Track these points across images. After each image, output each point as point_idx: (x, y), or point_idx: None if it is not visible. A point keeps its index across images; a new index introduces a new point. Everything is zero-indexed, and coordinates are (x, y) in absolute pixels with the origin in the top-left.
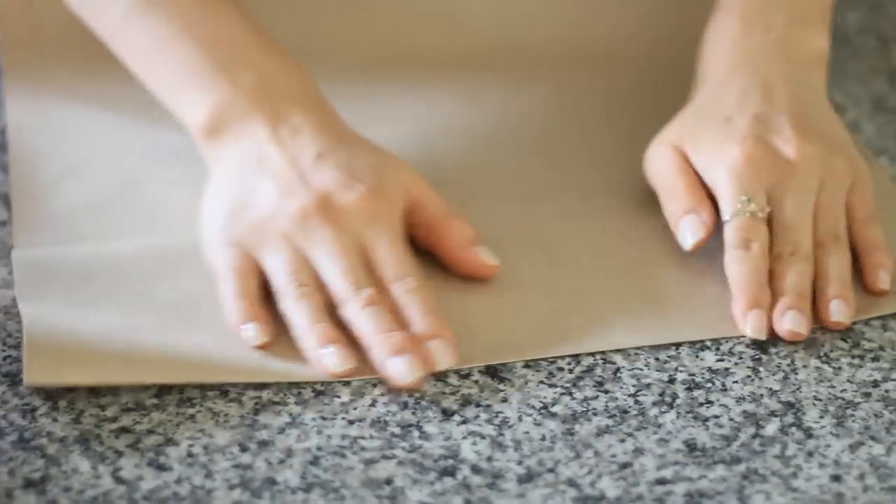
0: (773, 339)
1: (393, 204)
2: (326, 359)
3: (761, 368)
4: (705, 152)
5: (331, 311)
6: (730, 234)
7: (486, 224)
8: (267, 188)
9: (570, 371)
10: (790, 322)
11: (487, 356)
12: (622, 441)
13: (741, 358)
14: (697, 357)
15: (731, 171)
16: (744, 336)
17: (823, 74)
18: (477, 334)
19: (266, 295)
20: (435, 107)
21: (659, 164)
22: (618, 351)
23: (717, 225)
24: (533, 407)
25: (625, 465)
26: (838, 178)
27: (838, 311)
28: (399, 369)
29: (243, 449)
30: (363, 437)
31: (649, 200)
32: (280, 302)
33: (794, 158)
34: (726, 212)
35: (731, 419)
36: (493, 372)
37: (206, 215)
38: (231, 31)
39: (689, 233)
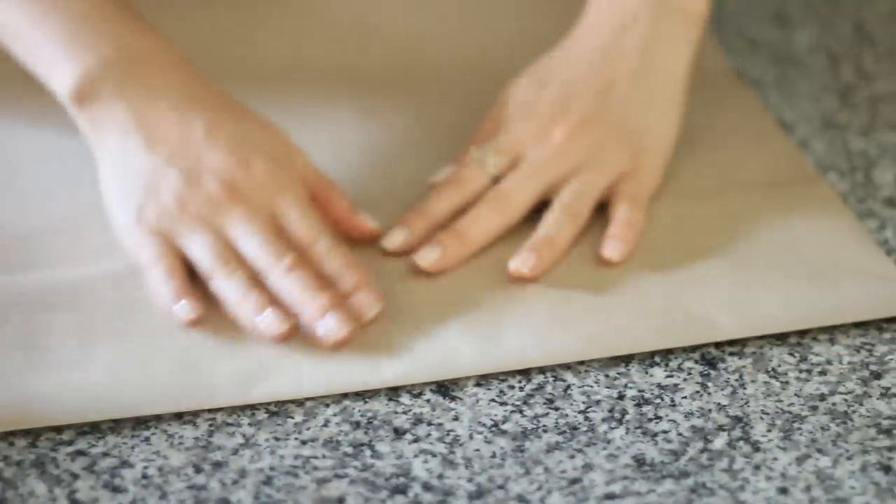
0: (721, 353)
1: (293, 170)
2: (264, 323)
3: (710, 384)
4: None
5: (260, 284)
6: None
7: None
8: (171, 174)
9: (521, 389)
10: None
11: (436, 373)
12: (572, 457)
13: (690, 373)
14: (647, 373)
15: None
16: (693, 351)
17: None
18: (426, 351)
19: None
20: (349, 121)
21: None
22: (567, 367)
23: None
24: (484, 425)
25: (574, 481)
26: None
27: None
28: (329, 326)
29: (198, 470)
30: (316, 457)
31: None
32: (211, 283)
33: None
34: None
35: (680, 434)
36: (444, 391)
37: (115, 200)
38: (99, 9)
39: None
